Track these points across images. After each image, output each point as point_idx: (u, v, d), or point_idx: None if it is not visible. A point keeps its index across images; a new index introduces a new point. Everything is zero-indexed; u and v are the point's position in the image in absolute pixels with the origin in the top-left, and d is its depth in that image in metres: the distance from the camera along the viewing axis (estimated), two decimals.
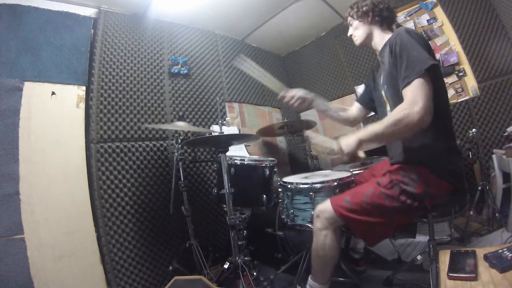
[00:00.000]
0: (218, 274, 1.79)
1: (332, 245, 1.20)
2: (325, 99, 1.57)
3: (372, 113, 1.59)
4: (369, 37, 1.32)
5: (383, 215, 1.13)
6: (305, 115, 3.71)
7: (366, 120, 3.03)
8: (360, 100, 1.57)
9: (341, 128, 3.27)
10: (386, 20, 1.28)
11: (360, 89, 3.07)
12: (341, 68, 3.28)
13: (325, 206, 1.22)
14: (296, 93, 1.42)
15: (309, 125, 2.68)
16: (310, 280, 1.30)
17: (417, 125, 0.98)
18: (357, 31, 1.34)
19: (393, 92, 1.18)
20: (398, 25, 1.30)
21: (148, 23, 2.42)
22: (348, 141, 1.10)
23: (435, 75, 1.04)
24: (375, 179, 1.23)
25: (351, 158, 1.14)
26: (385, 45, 1.22)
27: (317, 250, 1.23)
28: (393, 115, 1.03)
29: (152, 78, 2.36)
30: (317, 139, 1.38)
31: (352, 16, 1.34)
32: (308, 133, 1.49)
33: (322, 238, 1.21)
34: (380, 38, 1.28)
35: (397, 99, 1.11)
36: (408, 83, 1.01)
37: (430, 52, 1.07)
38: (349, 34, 1.40)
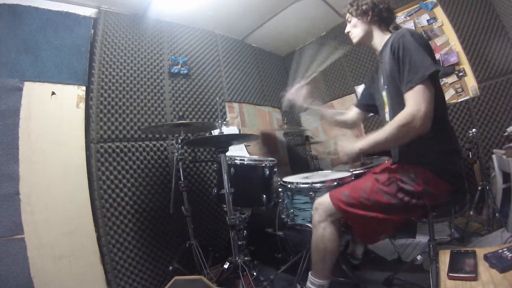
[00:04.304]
0: (218, 274, 1.79)
1: (331, 238, 1.20)
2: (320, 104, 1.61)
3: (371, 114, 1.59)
4: (367, 36, 1.31)
5: (381, 210, 1.13)
6: (305, 114, 3.72)
7: (368, 122, 3.03)
8: (358, 104, 1.58)
9: (341, 128, 3.27)
10: (385, 20, 1.28)
11: (360, 89, 3.07)
12: (341, 68, 3.28)
13: (324, 199, 1.23)
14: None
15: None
16: (310, 276, 1.29)
17: (419, 130, 1.00)
18: (355, 29, 1.33)
19: (393, 94, 1.18)
20: (397, 27, 1.28)
21: (148, 23, 2.42)
22: (350, 148, 1.14)
23: (435, 79, 1.05)
24: (374, 175, 1.23)
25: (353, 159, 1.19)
26: (385, 45, 1.21)
27: (316, 243, 1.23)
28: (396, 121, 1.04)
29: (152, 78, 2.36)
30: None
31: (351, 13, 1.33)
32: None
33: (321, 230, 1.21)
34: (380, 38, 1.28)
35: (397, 100, 1.11)
36: (411, 88, 1.02)
37: (432, 55, 1.07)
38: (346, 31, 1.39)
